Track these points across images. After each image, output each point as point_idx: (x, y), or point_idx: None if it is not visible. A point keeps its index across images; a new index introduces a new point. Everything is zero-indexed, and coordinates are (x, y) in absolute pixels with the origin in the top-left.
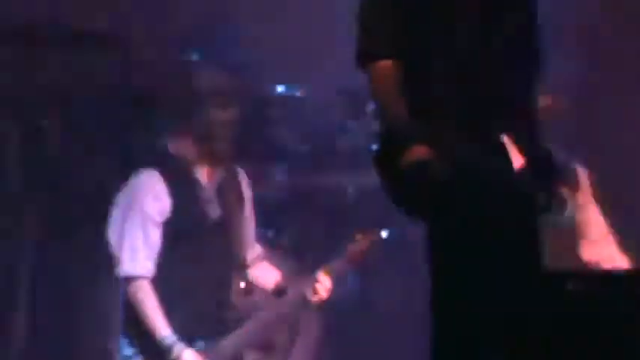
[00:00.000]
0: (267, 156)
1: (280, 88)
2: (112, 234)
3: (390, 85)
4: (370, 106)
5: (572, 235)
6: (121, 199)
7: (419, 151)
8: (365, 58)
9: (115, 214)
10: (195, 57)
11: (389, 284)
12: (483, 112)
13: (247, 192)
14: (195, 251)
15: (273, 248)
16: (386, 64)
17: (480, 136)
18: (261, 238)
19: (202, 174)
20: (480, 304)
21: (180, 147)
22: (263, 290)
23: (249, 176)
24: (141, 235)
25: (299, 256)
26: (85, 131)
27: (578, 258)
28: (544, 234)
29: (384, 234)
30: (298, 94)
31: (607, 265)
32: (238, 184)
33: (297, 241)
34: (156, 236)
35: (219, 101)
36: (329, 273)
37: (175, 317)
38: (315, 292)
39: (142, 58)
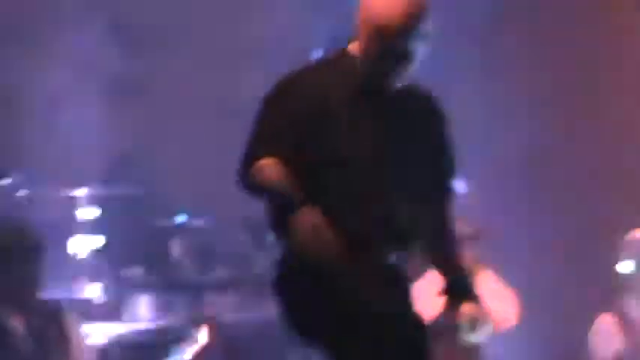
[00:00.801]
0: (171, 286)
1: (182, 218)
2: None
3: (274, 170)
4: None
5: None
6: None
7: (311, 215)
8: (247, 159)
9: None
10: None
11: None
12: (377, 233)
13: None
14: None
15: None
16: (268, 160)
17: (372, 256)
18: None
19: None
20: None
21: None
22: None
23: (154, 307)
24: None
25: None
26: None
27: None
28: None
29: None
30: (201, 224)
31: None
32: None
33: None
34: None
35: None
36: None
37: None
38: None
39: None
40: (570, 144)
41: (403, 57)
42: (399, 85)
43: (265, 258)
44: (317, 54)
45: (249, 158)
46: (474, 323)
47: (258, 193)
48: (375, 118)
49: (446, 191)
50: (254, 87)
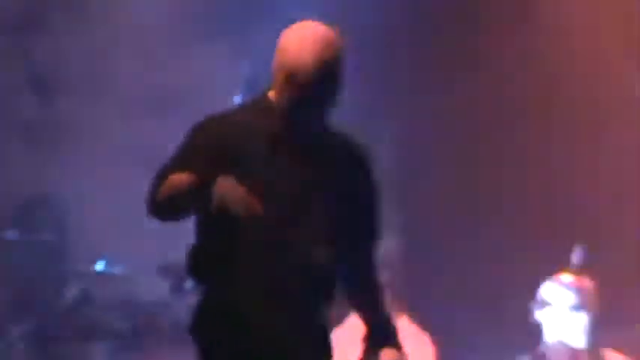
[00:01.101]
0: (89, 334)
1: (100, 266)
2: None
3: (176, 176)
4: (190, 283)
5: None
6: None
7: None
8: (155, 183)
9: None
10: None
11: None
12: (293, 282)
13: None
14: None
15: None
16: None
17: (289, 306)
18: None
19: None
20: None
21: None
22: None
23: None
24: None
25: None
26: None
27: None
28: None
29: None
30: (118, 271)
31: None
32: None
33: None
34: None
35: None
36: None
37: None
38: None
39: None
40: (497, 198)
41: (317, 103)
42: (321, 131)
43: (184, 304)
44: (237, 100)
45: (157, 181)
46: None
47: (166, 209)
48: (293, 164)
49: (371, 240)
50: (171, 134)
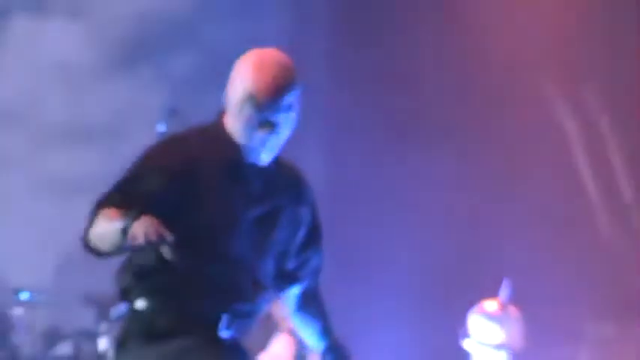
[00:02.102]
0: None
1: (25, 295)
2: None
3: (111, 211)
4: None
5: None
6: None
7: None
8: (95, 208)
9: None
10: None
11: None
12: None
13: None
14: None
15: None
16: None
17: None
18: None
19: None
20: None
21: None
22: None
23: None
24: None
25: None
26: None
27: None
28: None
29: None
30: (42, 300)
31: None
32: None
33: None
34: None
35: None
36: None
37: None
38: None
39: None
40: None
41: (271, 128)
42: (269, 157)
43: (109, 333)
44: (160, 128)
45: (97, 206)
46: None
47: (98, 245)
48: (242, 189)
49: (315, 262)
50: (93, 164)
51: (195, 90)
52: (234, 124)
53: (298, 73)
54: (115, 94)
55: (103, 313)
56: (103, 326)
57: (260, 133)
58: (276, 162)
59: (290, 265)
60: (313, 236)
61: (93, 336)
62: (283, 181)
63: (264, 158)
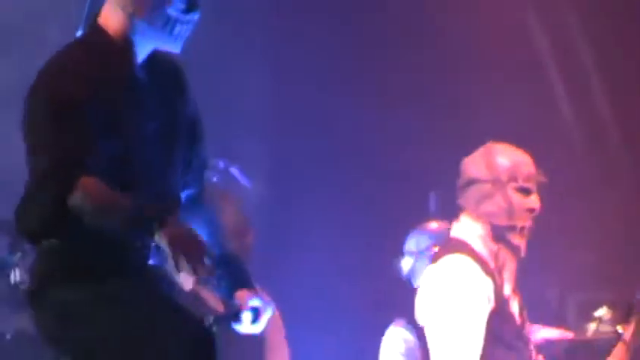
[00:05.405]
0: None
1: None
2: None
3: (110, 194)
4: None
5: None
6: None
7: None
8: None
9: None
10: None
11: None
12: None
13: None
14: None
15: None
16: (90, 179)
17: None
18: None
19: None
20: None
21: None
22: None
23: None
24: None
25: None
26: None
27: None
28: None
29: None
30: None
31: None
32: None
33: None
34: None
35: None
36: None
37: None
38: None
39: None
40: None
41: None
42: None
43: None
44: None
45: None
46: (255, 312)
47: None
48: (146, 93)
49: (203, 160)
50: None
51: None
52: (128, 21)
53: None
54: None
55: (16, 243)
56: (17, 256)
57: (163, 29)
58: (154, 56)
59: (189, 161)
60: (198, 131)
61: (6, 266)
62: (168, 76)
63: (174, 48)
